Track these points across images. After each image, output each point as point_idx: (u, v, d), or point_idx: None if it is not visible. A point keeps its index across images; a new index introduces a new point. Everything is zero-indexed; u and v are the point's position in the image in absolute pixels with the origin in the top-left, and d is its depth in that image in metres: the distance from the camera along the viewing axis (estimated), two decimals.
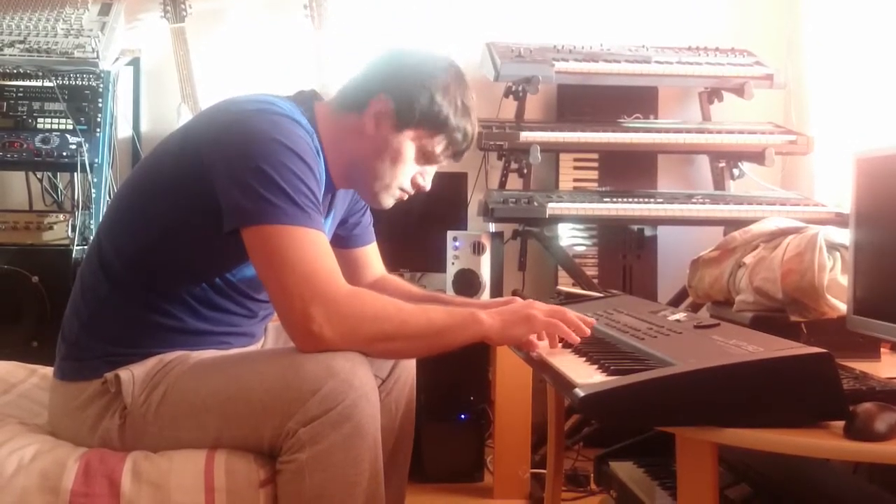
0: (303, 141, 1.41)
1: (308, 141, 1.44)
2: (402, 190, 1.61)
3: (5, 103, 2.79)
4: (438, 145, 1.57)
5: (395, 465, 1.68)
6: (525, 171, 3.01)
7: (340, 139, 1.56)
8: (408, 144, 1.55)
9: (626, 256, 3.24)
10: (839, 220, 2.64)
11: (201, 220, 1.40)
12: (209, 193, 1.37)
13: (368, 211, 1.86)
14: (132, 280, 1.45)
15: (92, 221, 2.73)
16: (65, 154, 2.74)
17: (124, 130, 3.20)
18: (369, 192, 1.61)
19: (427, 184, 1.64)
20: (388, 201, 1.62)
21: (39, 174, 3.04)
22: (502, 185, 3.13)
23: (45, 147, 2.74)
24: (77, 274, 1.54)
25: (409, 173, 1.59)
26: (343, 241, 1.81)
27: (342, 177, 1.60)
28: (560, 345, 1.46)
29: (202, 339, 1.48)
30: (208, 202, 1.37)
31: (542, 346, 1.47)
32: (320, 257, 1.35)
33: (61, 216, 2.73)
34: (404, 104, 1.52)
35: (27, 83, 2.83)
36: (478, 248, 2.77)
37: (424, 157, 1.58)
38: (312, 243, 1.35)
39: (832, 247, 1.74)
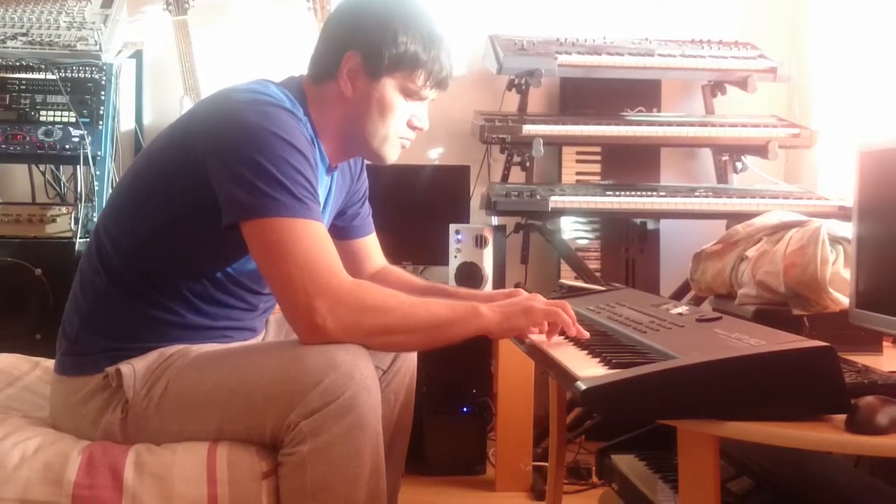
0: (297, 130, 1.40)
1: (301, 129, 1.43)
2: (402, 137, 1.59)
3: (8, 96, 2.80)
4: (419, 80, 1.54)
5: (391, 456, 1.67)
6: (528, 164, 3.00)
7: (327, 111, 1.55)
8: (389, 91, 1.53)
9: (629, 250, 3.24)
10: (842, 214, 2.64)
11: (198, 215, 1.40)
12: (205, 187, 1.37)
13: (367, 202, 1.85)
14: (131, 275, 1.45)
15: (95, 214, 2.73)
16: (67, 147, 2.75)
17: (127, 123, 3.20)
18: (371, 151, 1.59)
19: (424, 123, 1.61)
20: (392, 154, 1.60)
21: (42, 167, 3.04)
22: (505, 178, 3.13)
23: (47, 140, 2.74)
24: (77, 268, 1.54)
25: (401, 119, 1.57)
26: (343, 232, 1.80)
27: (340, 149, 1.59)
28: (562, 337, 1.47)
29: (202, 333, 1.48)
30: (205, 196, 1.37)
31: (542, 338, 1.47)
32: (321, 249, 1.35)
33: (64, 209, 2.74)
34: (371, 53, 1.50)
35: (30, 76, 2.83)
36: (480, 242, 2.77)
37: (410, 95, 1.56)
38: (313, 234, 1.35)
39: (835, 240, 1.74)
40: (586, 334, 1.45)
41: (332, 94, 1.54)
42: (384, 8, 1.53)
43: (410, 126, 1.59)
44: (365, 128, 1.55)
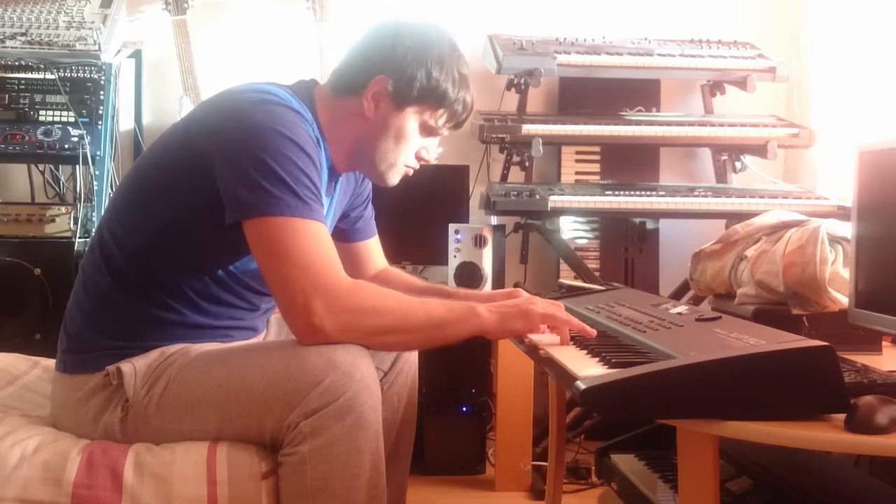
0: (302, 130, 1.41)
1: (308, 130, 1.43)
2: (408, 166, 1.61)
3: (7, 96, 2.79)
4: (440, 119, 1.57)
5: (397, 458, 1.68)
6: (527, 164, 3.01)
7: (341, 123, 1.55)
8: (410, 122, 1.55)
9: (628, 249, 3.24)
10: (841, 214, 2.64)
11: (203, 214, 1.39)
12: (210, 186, 1.37)
13: (370, 205, 1.85)
14: (133, 273, 1.45)
15: (94, 214, 2.73)
16: (67, 146, 2.74)
17: (126, 123, 3.20)
18: (375, 172, 1.60)
19: (432, 156, 1.63)
20: (395, 179, 1.62)
21: (41, 167, 3.04)
22: (504, 178, 3.13)
23: (47, 139, 2.74)
24: (79, 266, 1.54)
25: (413, 149, 1.59)
26: (346, 234, 1.80)
27: (346, 161, 1.60)
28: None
29: (204, 332, 1.48)
30: (209, 195, 1.37)
31: (542, 339, 1.47)
32: (322, 249, 1.35)
33: (63, 209, 2.74)
34: (403, 82, 1.51)
35: (29, 75, 2.83)
36: (479, 241, 2.77)
37: (427, 131, 1.58)
38: (313, 235, 1.35)
39: (834, 240, 1.74)
40: (592, 332, 1.44)
41: (350, 110, 1.54)
42: (423, 40, 1.54)
43: (418, 157, 1.61)
44: (377, 150, 1.56)
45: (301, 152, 1.37)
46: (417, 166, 1.63)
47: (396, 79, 1.51)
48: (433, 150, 1.63)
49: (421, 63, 1.51)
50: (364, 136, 1.55)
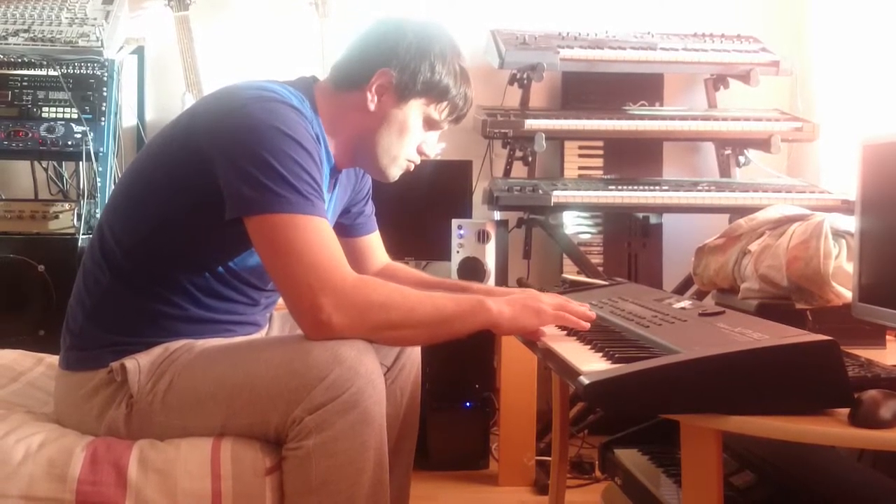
0: (302, 127, 1.41)
1: (307, 127, 1.43)
2: (409, 160, 1.62)
3: (10, 92, 2.79)
4: (443, 112, 1.59)
5: (400, 453, 1.69)
6: (530, 159, 3.01)
7: (342, 118, 1.56)
8: (413, 115, 1.57)
9: (632, 244, 3.24)
10: (845, 208, 2.64)
11: (201, 209, 1.39)
12: (209, 183, 1.36)
13: (371, 200, 1.86)
14: (133, 269, 1.45)
15: (97, 210, 2.73)
16: (70, 143, 2.75)
17: (129, 119, 3.21)
18: (377, 167, 1.61)
19: (433, 151, 1.65)
20: (396, 174, 1.63)
21: (45, 163, 3.04)
22: (507, 173, 3.13)
23: (50, 136, 2.74)
24: (80, 263, 1.54)
25: (415, 143, 1.60)
26: (347, 230, 1.81)
27: (347, 156, 1.60)
28: (565, 332, 1.47)
29: (205, 327, 1.48)
30: (208, 191, 1.37)
31: (548, 334, 1.47)
32: (326, 245, 1.35)
33: (66, 205, 2.74)
34: (406, 75, 1.53)
35: (32, 72, 2.83)
36: (482, 237, 2.77)
37: (429, 124, 1.60)
38: (317, 231, 1.35)
39: (838, 234, 1.74)
40: (592, 315, 1.46)
41: (352, 104, 1.55)
42: (426, 35, 1.56)
43: (419, 151, 1.62)
44: (379, 144, 1.57)
45: (300, 149, 1.37)
46: (419, 161, 1.64)
47: (400, 71, 1.52)
48: (433, 144, 1.65)
49: (424, 57, 1.53)
50: (366, 130, 1.56)
